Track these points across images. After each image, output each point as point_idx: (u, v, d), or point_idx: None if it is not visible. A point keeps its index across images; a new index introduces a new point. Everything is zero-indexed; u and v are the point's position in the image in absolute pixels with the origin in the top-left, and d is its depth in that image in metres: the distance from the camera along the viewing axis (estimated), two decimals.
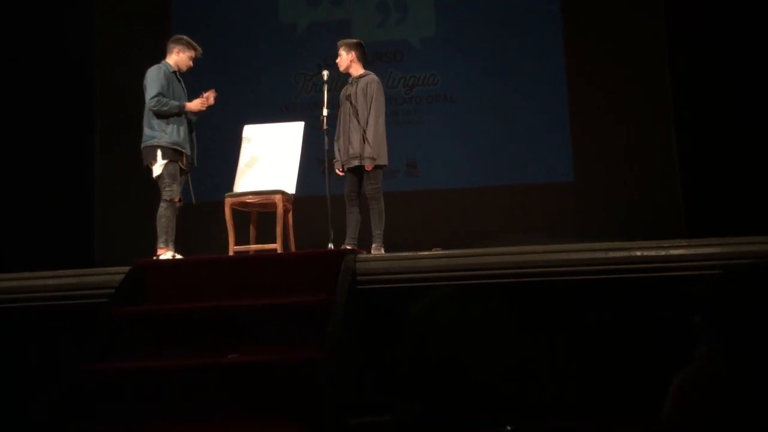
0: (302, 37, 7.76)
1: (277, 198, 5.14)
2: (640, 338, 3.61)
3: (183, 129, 5.04)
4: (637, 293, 3.77)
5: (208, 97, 5.11)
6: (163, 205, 4.94)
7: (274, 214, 5.15)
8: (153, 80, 5.00)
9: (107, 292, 3.95)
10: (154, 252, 4.91)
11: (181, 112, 5.04)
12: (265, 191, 5.21)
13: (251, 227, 5.43)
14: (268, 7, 7.85)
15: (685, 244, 4.02)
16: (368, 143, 5.20)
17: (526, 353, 3.74)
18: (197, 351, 3.53)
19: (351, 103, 5.31)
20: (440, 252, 4.56)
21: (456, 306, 3.76)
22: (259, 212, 5.44)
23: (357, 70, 5.43)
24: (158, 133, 4.96)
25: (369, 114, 5.26)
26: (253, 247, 5.25)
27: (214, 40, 7.56)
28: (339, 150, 5.37)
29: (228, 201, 5.22)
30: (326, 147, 5.33)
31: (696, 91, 6.77)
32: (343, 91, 5.47)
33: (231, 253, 5.09)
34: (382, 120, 5.32)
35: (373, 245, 5.22)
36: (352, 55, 5.41)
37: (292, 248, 5.29)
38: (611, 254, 3.89)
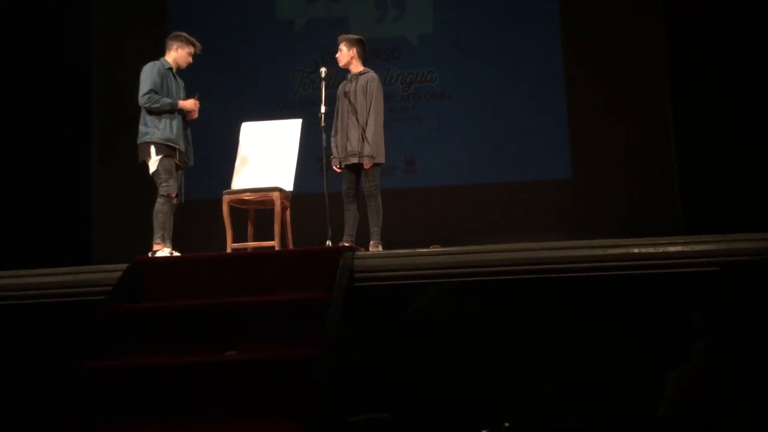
0: (300, 34, 7.75)
1: (275, 195, 5.14)
2: (638, 335, 3.62)
3: (176, 125, 5.03)
4: (634, 290, 3.78)
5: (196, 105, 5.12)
6: (160, 200, 4.93)
7: (272, 211, 5.15)
8: (146, 77, 5.01)
9: (105, 289, 3.94)
10: (150, 247, 4.91)
11: (173, 110, 5.02)
12: (262, 188, 5.21)
13: (249, 225, 5.43)
14: (266, 4, 7.85)
15: (682, 241, 4.02)
16: (368, 142, 5.20)
17: (524, 350, 3.75)
18: (195, 348, 3.53)
19: (350, 99, 5.31)
20: (438, 249, 4.56)
21: (454, 303, 3.77)
22: (256, 210, 5.43)
23: (357, 67, 5.42)
24: (151, 129, 4.96)
25: (369, 112, 5.26)
26: (251, 244, 5.25)
27: (212, 38, 7.54)
28: (336, 146, 5.36)
29: (226, 198, 5.22)
30: (324, 144, 5.34)
31: (694, 89, 6.78)
32: (341, 86, 5.46)
33: (229, 251, 5.08)
34: (381, 118, 5.32)
35: (371, 242, 5.22)
36: (354, 51, 5.40)
37: (290, 246, 5.29)
38: (609, 251, 3.89)
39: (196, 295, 3.91)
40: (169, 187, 4.93)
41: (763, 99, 6.35)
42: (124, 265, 4.14)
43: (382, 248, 5.17)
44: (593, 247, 3.95)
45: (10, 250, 5.73)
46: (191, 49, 5.24)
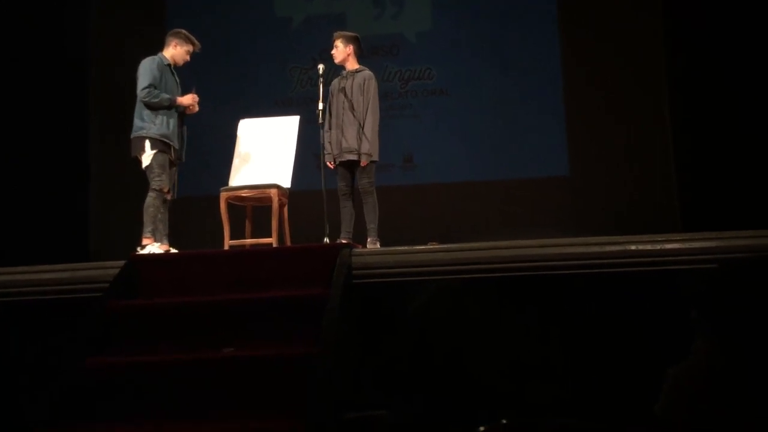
0: (298, 31, 7.74)
1: (273, 192, 5.13)
2: (636, 332, 3.62)
3: (173, 122, 5.01)
4: (632, 287, 3.78)
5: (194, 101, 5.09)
6: (151, 194, 4.89)
7: (270, 208, 5.14)
8: (146, 71, 4.98)
9: (102, 286, 3.93)
10: (138, 242, 4.85)
11: (171, 106, 5.00)
12: (260, 185, 5.21)
13: (246, 221, 5.42)
14: (264, 1, 7.84)
15: (679, 238, 4.02)
16: (366, 139, 5.20)
17: (521, 347, 3.75)
18: (192, 345, 3.53)
19: (347, 96, 5.30)
20: (436, 246, 4.56)
21: (451, 300, 3.77)
22: (254, 206, 5.43)
23: (353, 64, 5.41)
24: (148, 124, 4.92)
25: (366, 111, 5.26)
26: (249, 241, 5.24)
27: (210, 35, 7.51)
28: (330, 143, 5.35)
29: (223, 195, 5.21)
30: (322, 141, 5.33)
31: (692, 88, 6.78)
32: (335, 83, 5.44)
33: (226, 248, 5.08)
34: (378, 117, 5.33)
35: (369, 239, 5.22)
36: (350, 48, 5.39)
37: (288, 242, 5.29)
38: (606, 248, 3.89)
39: (193, 292, 3.90)
40: (162, 182, 4.88)
41: (762, 99, 6.36)
42: (121, 262, 4.14)
43: (380, 245, 5.17)
44: (590, 245, 3.95)
45: (7, 246, 5.72)
46: (190, 48, 5.22)
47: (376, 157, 5.30)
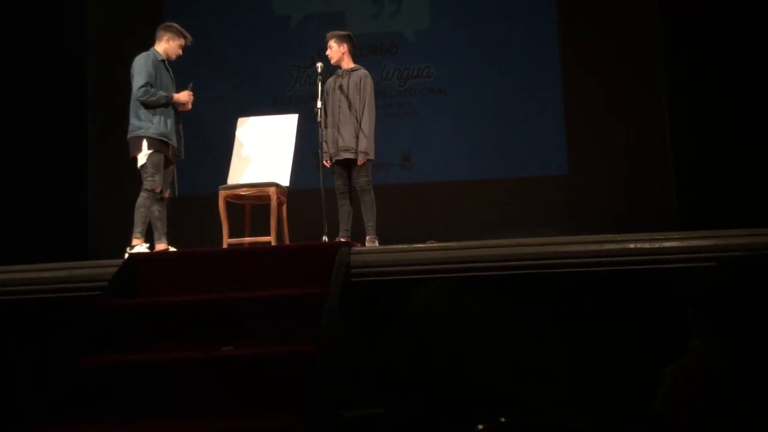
0: (296, 29, 7.74)
1: (271, 190, 5.14)
2: (633, 330, 3.62)
3: (170, 120, 4.95)
4: (630, 286, 3.78)
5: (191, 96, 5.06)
6: (143, 194, 4.85)
7: (268, 206, 5.14)
8: (141, 69, 4.91)
9: (101, 285, 3.93)
10: (128, 242, 4.82)
11: (168, 103, 4.94)
12: (259, 184, 5.21)
13: (245, 220, 5.42)
14: (262, 0, 7.83)
15: (678, 236, 4.03)
16: (362, 138, 5.21)
17: (519, 346, 3.75)
18: (191, 344, 3.52)
19: (344, 95, 5.30)
20: (435, 245, 4.56)
21: (450, 299, 3.77)
22: (253, 205, 5.43)
23: (348, 63, 5.42)
24: (145, 123, 4.86)
25: (364, 109, 5.26)
26: (247, 239, 5.24)
27: (208, 34, 7.54)
28: (326, 141, 5.34)
29: (222, 194, 5.21)
30: (320, 139, 5.32)
31: (691, 88, 6.79)
32: (330, 82, 5.44)
33: (225, 246, 5.08)
34: (374, 115, 5.34)
35: (367, 237, 5.23)
36: (344, 47, 5.39)
37: (286, 241, 5.29)
38: (605, 247, 3.89)
39: (192, 291, 3.90)
40: (154, 182, 4.83)
41: (760, 98, 6.36)
42: (120, 261, 4.14)
43: (379, 243, 5.17)
44: (589, 243, 3.95)
45: (8, 246, 5.72)
46: (182, 41, 5.15)
47: (372, 156, 5.30)
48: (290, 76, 7.67)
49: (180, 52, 5.16)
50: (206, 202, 6.07)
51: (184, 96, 5.04)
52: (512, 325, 3.70)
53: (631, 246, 3.86)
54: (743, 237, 3.82)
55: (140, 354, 3.49)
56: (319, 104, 5.29)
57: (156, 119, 4.89)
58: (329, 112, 5.36)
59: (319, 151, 5.30)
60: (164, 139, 4.91)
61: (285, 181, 5.25)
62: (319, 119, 5.30)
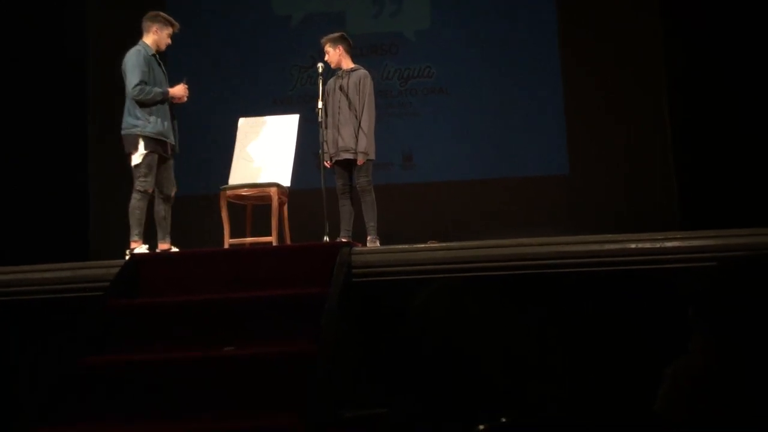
0: (297, 29, 7.74)
1: (272, 191, 5.14)
2: (635, 330, 3.63)
3: (167, 118, 4.88)
4: (630, 286, 3.79)
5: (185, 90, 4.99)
6: (136, 196, 4.77)
7: (270, 207, 5.15)
8: (133, 67, 4.80)
9: (102, 285, 3.94)
10: (127, 245, 4.77)
11: (164, 99, 4.86)
12: (260, 184, 5.21)
13: (246, 220, 5.42)
14: (263, 0, 7.83)
15: (679, 236, 4.03)
16: (363, 138, 5.21)
17: (520, 345, 3.76)
18: (193, 344, 3.53)
19: (344, 95, 5.30)
20: (436, 245, 4.57)
21: (451, 298, 3.77)
22: (254, 205, 5.43)
23: (347, 63, 5.42)
24: (142, 122, 4.78)
25: (364, 109, 5.26)
26: (249, 240, 5.25)
27: (209, 34, 7.55)
28: (326, 142, 5.34)
29: (223, 194, 5.22)
30: (321, 140, 5.32)
31: (691, 88, 6.79)
32: (331, 82, 5.45)
33: (226, 246, 5.08)
34: (374, 115, 5.34)
35: (369, 237, 5.23)
36: (340, 49, 5.39)
37: (288, 241, 5.30)
38: (606, 246, 3.90)
39: (193, 291, 3.90)
40: (146, 183, 4.76)
41: (761, 98, 6.37)
42: (122, 261, 4.14)
43: (380, 243, 5.18)
44: (590, 243, 3.96)
45: (9, 247, 5.73)
46: (170, 30, 5.04)
47: (373, 156, 5.31)
48: (291, 77, 7.67)
49: (169, 41, 5.06)
50: (207, 202, 6.07)
51: (179, 90, 4.96)
52: (513, 324, 3.71)
53: (632, 246, 3.86)
54: (744, 237, 3.83)
55: (141, 354, 3.49)
56: (319, 104, 5.29)
57: (153, 118, 4.81)
58: (329, 113, 5.36)
59: (320, 151, 5.30)
60: (161, 137, 4.85)
61: (286, 181, 5.26)
62: (319, 119, 5.30)
